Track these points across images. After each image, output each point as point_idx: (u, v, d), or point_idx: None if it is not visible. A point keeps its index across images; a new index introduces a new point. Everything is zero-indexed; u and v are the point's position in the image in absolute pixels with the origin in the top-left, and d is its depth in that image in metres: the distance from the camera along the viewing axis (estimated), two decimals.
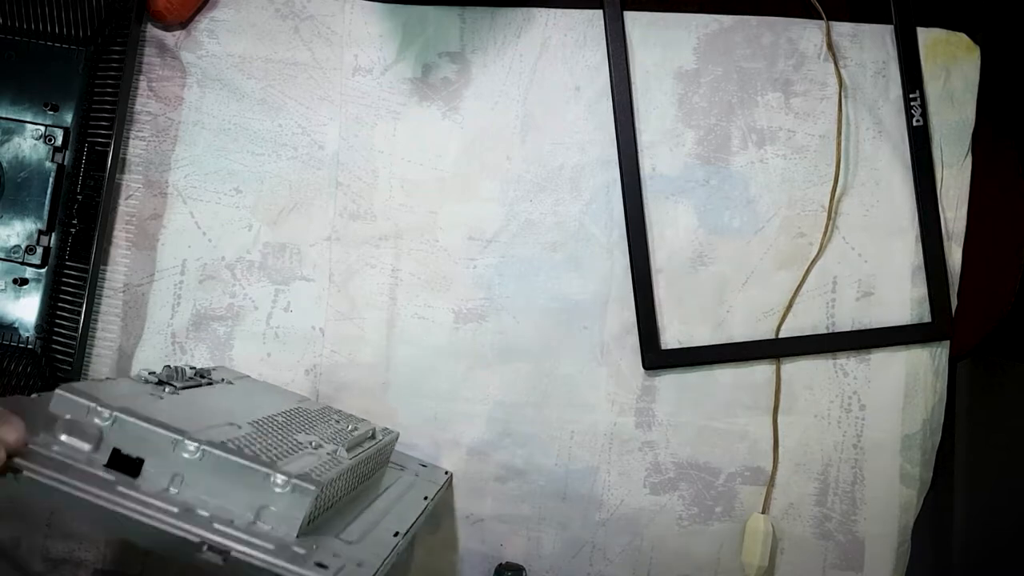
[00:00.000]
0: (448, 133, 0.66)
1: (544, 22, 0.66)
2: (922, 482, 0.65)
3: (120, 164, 0.66)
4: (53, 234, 0.63)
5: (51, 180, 0.63)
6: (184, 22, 0.66)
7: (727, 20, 0.66)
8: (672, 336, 0.65)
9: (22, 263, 0.63)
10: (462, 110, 0.66)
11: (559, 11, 0.66)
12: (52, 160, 0.63)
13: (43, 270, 0.63)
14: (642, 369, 0.65)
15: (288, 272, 0.66)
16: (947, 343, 0.65)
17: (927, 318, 0.65)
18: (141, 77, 0.66)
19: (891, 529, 0.65)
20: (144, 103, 0.66)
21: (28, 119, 0.63)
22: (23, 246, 0.63)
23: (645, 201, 0.65)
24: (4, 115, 0.63)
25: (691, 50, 0.66)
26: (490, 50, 0.66)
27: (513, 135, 0.66)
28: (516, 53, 0.66)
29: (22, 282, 0.63)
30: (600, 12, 0.65)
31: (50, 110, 0.63)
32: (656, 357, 0.65)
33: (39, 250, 0.63)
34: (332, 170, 0.66)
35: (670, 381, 0.65)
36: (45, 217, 0.63)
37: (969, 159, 0.66)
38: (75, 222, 0.63)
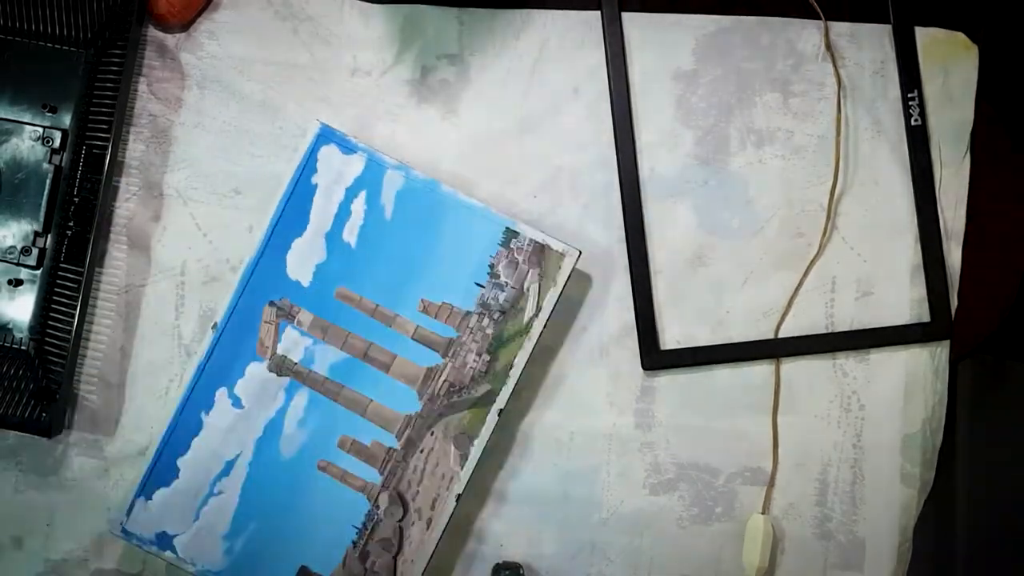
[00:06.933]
0: (447, 135, 0.66)
1: (542, 24, 0.66)
2: (923, 482, 0.65)
3: (119, 166, 0.66)
4: (49, 236, 0.63)
5: (48, 182, 0.63)
6: (185, 25, 0.66)
7: (725, 21, 0.66)
8: (671, 336, 0.65)
9: (17, 264, 0.63)
10: (461, 112, 0.66)
11: (557, 13, 0.66)
12: (50, 162, 0.63)
13: (38, 271, 0.63)
14: (641, 369, 0.65)
15: None
16: (947, 343, 0.65)
17: (927, 318, 0.65)
18: (141, 78, 0.66)
19: (892, 529, 0.65)
20: (144, 105, 0.66)
21: (27, 120, 0.63)
22: (18, 247, 0.62)
23: (644, 202, 0.65)
24: (2, 116, 0.63)
25: (689, 51, 0.66)
26: (489, 52, 0.66)
27: (512, 137, 0.66)
28: (515, 55, 0.66)
29: (17, 283, 0.63)
30: (598, 14, 0.66)
31: (49, 112, 0.63)
32: (655, 357, 0.65)
33: (35, 251, 0.62)
34: None
35: (670, 381, 0.65)
36: (41, 219, 0.62)
37: (968, 158, 0.66)
38: (71, 224, 0.63)
